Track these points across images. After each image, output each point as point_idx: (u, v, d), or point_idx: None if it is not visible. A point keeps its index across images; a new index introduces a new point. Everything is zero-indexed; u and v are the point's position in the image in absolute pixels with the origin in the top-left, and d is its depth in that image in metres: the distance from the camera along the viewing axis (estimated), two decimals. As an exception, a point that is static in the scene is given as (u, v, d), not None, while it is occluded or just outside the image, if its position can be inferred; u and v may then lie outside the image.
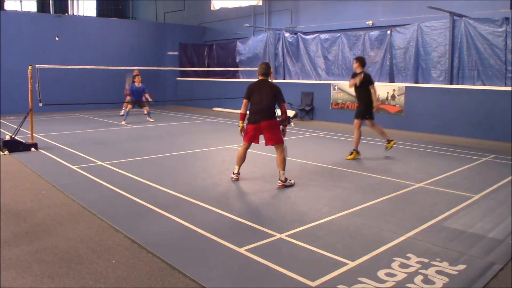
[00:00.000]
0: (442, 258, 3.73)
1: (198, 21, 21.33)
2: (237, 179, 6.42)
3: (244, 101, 6.18)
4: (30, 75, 8.69)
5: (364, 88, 8.03)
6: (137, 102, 13.20)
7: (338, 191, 5.99)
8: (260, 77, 6.26)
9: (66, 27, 17.22)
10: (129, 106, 13.12)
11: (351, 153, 8.08)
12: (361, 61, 8.10)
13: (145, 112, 13.71)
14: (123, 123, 12.99)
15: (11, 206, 5.09)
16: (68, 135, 10.76)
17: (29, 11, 22.58)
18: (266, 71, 6.21)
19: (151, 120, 13.57)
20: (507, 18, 10.67)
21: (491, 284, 3.35)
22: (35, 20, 16.81)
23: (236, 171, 6.45)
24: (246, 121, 6.26)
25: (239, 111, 6.31)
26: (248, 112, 6.28)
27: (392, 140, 8.47)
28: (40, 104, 8.84)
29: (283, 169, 6.07)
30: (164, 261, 3.66)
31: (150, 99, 13.30)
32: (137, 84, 13.09)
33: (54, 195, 5.58)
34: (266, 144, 6.23)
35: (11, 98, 15.15)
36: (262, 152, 8.23)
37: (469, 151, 9.02)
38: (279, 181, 6.06)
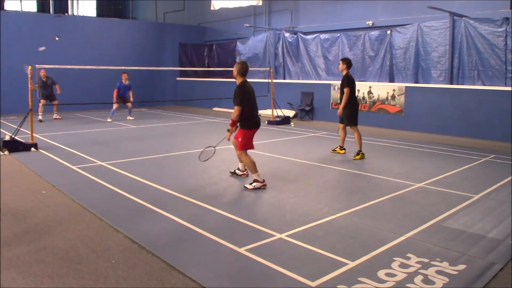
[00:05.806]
0: (442, 258, 3.73)
1: (198, 21, 21.33)
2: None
3: (241, 107, 5.73)
4: (30, 75, 8.69)
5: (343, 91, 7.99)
6: (122, 98, 13.87)
7: (338, 191, 5.99)
8: (242, 78, 5.89)
9: (66, 27, 17.21)
10: (116, 105, 13.68)
11: (358, 154, 8.02)
12: (347, 62, 8.03)
13: (128, 108, 14.19)
14: (109, 120, 13.54)
15: (11, 206, 5.09)
16: (68, 135, 10.76)
17: (29, 11, 22.54)
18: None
19: (131, 118, 14.09)
20: (507, 18, 10.66)
21: (491, 284, 3.35)
22: (35, 20, 16.81)
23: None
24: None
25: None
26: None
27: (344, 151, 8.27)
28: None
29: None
30: (164, 261, 3.66)
31: (131, 98, 14.00)
32: (125, 81, 13.84)
33: (54, 195, 5.58)
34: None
35: (11, 98, 15.14)
36: (262, 152, 8.24)
37: (469, 151, 9.02)
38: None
